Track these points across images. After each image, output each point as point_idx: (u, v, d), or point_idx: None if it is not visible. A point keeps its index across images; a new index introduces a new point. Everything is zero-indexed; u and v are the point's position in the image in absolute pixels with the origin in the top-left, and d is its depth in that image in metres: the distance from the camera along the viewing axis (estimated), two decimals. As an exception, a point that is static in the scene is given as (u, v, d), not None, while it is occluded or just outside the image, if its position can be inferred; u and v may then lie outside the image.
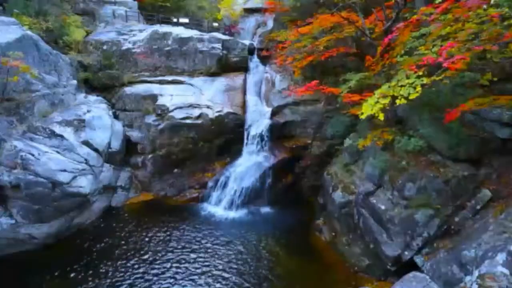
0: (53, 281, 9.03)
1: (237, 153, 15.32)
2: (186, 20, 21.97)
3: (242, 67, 17.36)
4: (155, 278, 9.26)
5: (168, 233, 11.59)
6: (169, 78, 16.51)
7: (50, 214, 10.77)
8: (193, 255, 10.35)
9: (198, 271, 9.64)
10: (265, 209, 13.89)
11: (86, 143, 12.55)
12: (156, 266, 9.78)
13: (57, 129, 11.91)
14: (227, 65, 17.07)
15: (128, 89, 15.78)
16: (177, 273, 9.53)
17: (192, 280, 9.26)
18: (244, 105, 15.85)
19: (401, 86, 7.24)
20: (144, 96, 15.38)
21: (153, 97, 15.28)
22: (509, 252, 5.99)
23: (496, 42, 6.45)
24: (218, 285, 9.12)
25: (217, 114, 14.89)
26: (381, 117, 7.44)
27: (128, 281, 9.12)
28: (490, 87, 8.40)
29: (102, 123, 13.49)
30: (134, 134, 15.10)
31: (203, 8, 25.62)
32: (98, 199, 12.59)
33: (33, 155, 10.60)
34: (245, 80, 16.82)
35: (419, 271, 7.94)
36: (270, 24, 20.58)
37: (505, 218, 7.19)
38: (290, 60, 14.42)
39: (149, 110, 15.09)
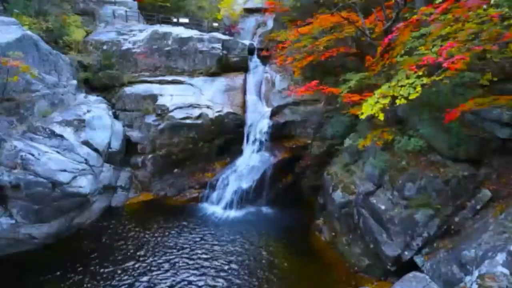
0: (53, 281, 9.03)
1: (237, 153, 15.33)
2: (186, 20, 21.97)
3: (242, 67, 17.36)
4: (155, 278, 9.26)
5: (168, 233, 11.59)
6: (169, 78, 16.52)
7: (50, 214, 10.78)
8: (192, 255, 10.34)
9: (198, 271, 9.64)
10: (265, 209, 13.89)
11: (86, 143, 12.55)
12: (156, 266, 9.77)
13: (57, 129, 11.91)
14: (227, 65, 17.08)
15: (128, 89, 15.79)
16: (177, 273, 9.52)
17: (192, 280, 9.25)
18: (244, 105, 15.86)
19: (401, 86, 7.24)
20: (144, 96, 15.39)
21: (153, 97, 15.28)
22: (509, 252, 5.99)
23: (496, 42, 6.45)
24: (218, 285, 9.12)
25: (217, 114, 14.90)
26: (381, 117, 7.44)
27: (128, 281, 9.12)
28: (490, 87, 8.39)
29: (102, 123, 13.49)
30: (134, 134, 15.10)
31: (203, 8, 25.63)
32: (98, 199, 12.59)
33: (33, 155, 10.60)
34: (245, 80, 16.83)
35: (419, 271, 7.94)
36: (270, 24, 20.58)
37: (505, 218, 7.19)
38: (290, 60, 14.42)
39: (149, 110, 15.10)
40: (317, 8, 15.02)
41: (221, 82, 16.42)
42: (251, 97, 16.20)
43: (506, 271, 5.71)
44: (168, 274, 9.47)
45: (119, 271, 9.52)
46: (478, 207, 8.15)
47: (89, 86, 16.06)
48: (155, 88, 15.78)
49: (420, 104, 9.23)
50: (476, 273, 6.18)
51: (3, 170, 10.16)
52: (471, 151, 8.65)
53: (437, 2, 7.13)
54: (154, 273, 9.49)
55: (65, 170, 10.98)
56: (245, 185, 13.82)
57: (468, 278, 6.54)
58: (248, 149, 15.14)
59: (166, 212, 13.08)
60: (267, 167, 14.20)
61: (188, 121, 14.58)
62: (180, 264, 9.89)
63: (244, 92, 16.38)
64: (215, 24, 23.41)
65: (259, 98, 16.41)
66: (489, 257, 6.29)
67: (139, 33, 17.47)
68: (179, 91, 15.72)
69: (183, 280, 9.24)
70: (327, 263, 10.31)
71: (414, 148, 8.96)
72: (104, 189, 12.97)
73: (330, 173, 12.29)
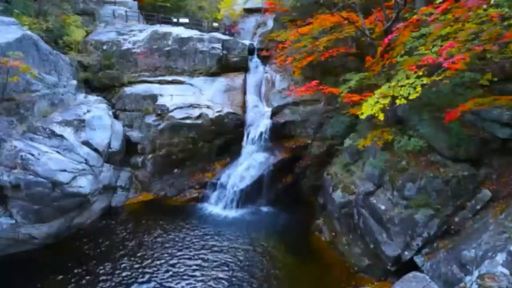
0: (53, 281, 9.02)
1: (237, 153, 15.33)
2: (186, 20, 21.98)
3: (242, 67, 17.37)
4: (155, 278, 9.26)
5: (168, 233, 11.59)
6: (169, 78, 16.53)
7: (50, 214, 10.78)
8: (192, 255, 10.34)
9: (198, 271, 9.63)
10: (265, 209, 13.89)
11: (86, 143, 12.55)
12: (156, 266, 9.77)
13: (57, 129, 11.91)
14: (227, 65, 17.08)
15: (128, 89, 15.80)
16: (177, 273, 9.52)
17: (192, 280, 9.25)
18: (244, 105, 15.86)
19: (401, 86, 7.24)
20: (144, 96, 15.39)
21: (153, 97, 15.29)
22: (509, 252, 5.99)
23: (496, 42, 6.45)
24: (218, 285, 9.11)
25: (217, 114, 14.90)
26: (381, 117, 7.43)
27: (128, 281, 9.12)
28: (490, 87, 8.39)
29: (102, 123, 13.49)
30: (134, 134, 15.10)
31: (203, 8, 25.62)
32: (98, 199, 12.59)
33: (33, 155, 10.60)
34: (245, 80, 16.84)
35: (419, 271, 7.93)
36: (270, 24, 20.59)
37: (505, 218, 7.19)
38: (290, 60, 14.41)
39: (149, 110, 15.11)
40: (317, 8, 15.01)
41: (221, 82, 16.42)
42: (251, 97, 16.20)
43: (506, 271, 5.72)
44: (168, 274, 9.46)
45: (119, 271, 9.51)
46: (478, 207, 8.15)
47: (89, 86, 16.08)
48: (155, 88, 15.78)
49: (420, 104, 9.23)
50: (476, 273, 6.18)
51: (3, 170, 10.16)
52: (471, 151, 8.65)
53: (437, 2, 7.12)
54: (154, 273, 9.48)
55: (65, 170, 10.98)
56: (245, 185, 13.81)
57: (468, 278, 6.53)
58: (248, 149, 15.13)
59: (166, 212, 13.08)
60: (267, 167, 14.20)
61: (188, 121, 14.58)
62: (180, 264, 9.89)
63: (244, 92, 16.38)
64: (215, 24, 23.41)
65: (259, 98, 16.41)
66: (489, 257, 6.29)
67: (139, 33, 17.48)
68: (179, 91, 15.73)
69: (183, 280, 9.23)
70: (327, 263, 10.30)
71: (414, 148, 8.96)
72: (104, 189, 12.97)
73: (330, 173, 12.29)
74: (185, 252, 10.51)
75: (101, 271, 9.49)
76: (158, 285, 9.02)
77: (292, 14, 17.33)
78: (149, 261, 10.01)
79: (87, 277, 9.23)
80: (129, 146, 14.90)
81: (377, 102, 7.58)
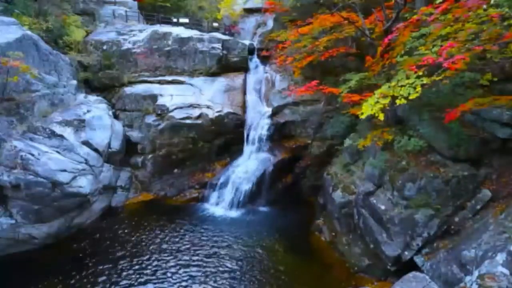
0: (53, 281, 9.02)
1: (237, 153, 15.33)
2: (186, 20, 21.97)
3: (242, 67, 17.36)
4: (155, 278, 9.26)
5: (167, 233, 11.58)
6: (169, 78, 16.52)
7: (50, 214, 10.78)
8: (192, 255, 10.34)
9: (198, 271, 9.64)
10: (265, 209, 13.89)
11: (86, 143, 12.55)
12: (156, 266, 9.77)
13: (57, 129, 11.91)
14: (227, 65, 17.07)
15: (128, 89, 15.79)
16: (177, 273, 9.52)
17: (192, 280, 9.25)
18: (244, 105, 15.86)
19: (401, 86, 7.24)
20: (144, 96, 15.39)
21: (153, 97, 15.29)
22: (509, 252, 5.99)
23: (496, 42, 6.45)
24: (218, 285, 9.12)
25: (217, 114, 14.89)
26: (381, 117, 7.43)
27: (128, 281, 9.12)
28: (490, 87, 8.40)
29: (102, 123, 13.49)
30: (134, 134, 15.10)
31: (203, 8, 25.62)
32: (98, 199, 12.59)
33: (33, 155, 10.60)
34: (245, 80, 16.83)
35: (419, 271, 7.93)
36: (270, 24, 20.57)
37: (505, 218, 7.19)
38: (290, 60, 14.41)
39: (149, 110, 15.11)
40: (317, 8, 15.01)
41: (221, 82, 16.42)
42: (251, 97, 16.19)
43: (506, 271, 5.72)
44: (168, 273, 9.47)
45: (119, 271, 9.51)
46: (478, 207, 8.15)
47: (89, 86, 16.08)
48: (155, 88, 15.78)
49: (420, 104, 9.23)
50: (476, 273, 6.19)
51: (3, 170, 10.16)
52: (471, 151, 8.66)
53: (437, 2, 7.12)
54: (154, 272, 9.49)
55: (65, 170, 10.98)
56: (245, 185, 13.82)
57: (468, 278, 6.54)
58: (248, 149, 15.14)
59: (166, 212, 13.07)
60: (267, 167, 14.20)
61: (188, 121, 14.57)
62: (180, 264, 9.89)
63: (244, 92, 16.38)
64: (215, 24, 23.40)
65: (259, 98, 16.40)
66: (489, 257, 6.30)
67: (139, 33, 17.47)
68: (179, 91, 15.72)
69: (183, 280, 9.24)
70: (327, 263, 10.31)
71: (414, 148, 8.96)
72: (104, 189, 12.97)
73: (330, 173, 12.29)
74: (185, 252, 10.51)
75: (101, 271, 9.49)
76: (158, 285, 9.01)
77: (292, 14, 17.33)
78: (149, 261, 10.01)
79: (87, 277, 9.23)
80: (129, 146, 14.90)
81: (377, 102, 7.58)
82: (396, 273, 8.67)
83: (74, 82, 14.54)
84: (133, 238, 11.21)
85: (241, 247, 10.90)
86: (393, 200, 9.22)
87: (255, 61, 17.88)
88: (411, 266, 8.31)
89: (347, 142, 11.37)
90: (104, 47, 16.55)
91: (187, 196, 14.51)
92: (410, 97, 6.99)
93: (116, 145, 13.95)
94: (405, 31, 8.84)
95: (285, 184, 14.60)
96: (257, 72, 17.33)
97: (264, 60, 17.68)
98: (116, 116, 15.24)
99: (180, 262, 10.01)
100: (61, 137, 11.81)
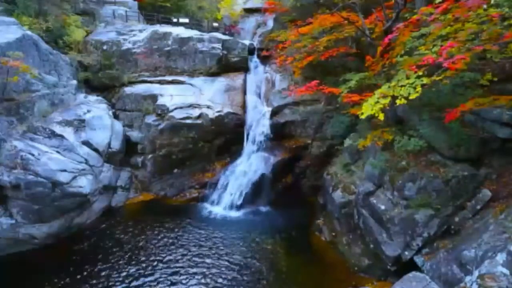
0: (53, 281, 9.02)
1: (237, 153, 15.33)
2: (186, 20, 21.97)
3: (242, 67, 17.36)
4: (155, 278, 9.26)
5: (167, 233, 11.59)
6: (169, 78, 16.52)
7: (50, 214, 10.78)
8: (192, 255, 10.35)
9: (197, 271, 9.64)
10: (265, 209, 13.89)
11: (86, 143, 12.56)
12: (156, 266, 9.77)
13: (57, 129, 11.92)
14: (227, 65, 17.07)
15: (128, 89, 15.80)
16: (177, 273, 9.53)
17: (192, 280, 9.26)
18: (244, 105, 15.86)
19: (401, 86, 7.24)
20: (144, 96, 15.39)
21: (153, 97, 15.29)
22: (509, 252, 5.99)
23: (496, 42, 6.45)
24: (218, 285, 9.12)
25: (217, 114, 14.89)
26: (381, 117, 7.43)
27: (128, 281, 9.12)
28: (490, 87, 8.40)
29: (102, 123, 13.50)
30: (134, 134, 15.10)
31: (203, 8, 25.61)
32: (98, 199, 12.59)
33: (33, 155, 10.60)
34: (245, 80, 16.82)
35: (419, 271, 7.94)
36: (270, 24, 20.58)
37: (505, 218, 7.19)
38: (290, 60, 14.41)
39: (149, 110, 15.10)
40: (317, 8, 15.01)
41: (221, 82, 16.42)
42: (251, 97, 16.19)
43: (506, 271, 5.72)
44: (168, 273, 9.47)
45: (119, 271, 9.52)
46: (478, 207, 8.15)
47: (89, 86, 16.08)
48: (155, 88, 15.78)
49: (420, 104, 9.23)
50: (476, 273, 6.19)
51: (3, 170, 10.17)
52: (471, 151, 8.66)
53: (437, 2, 7.12)
54: (154, 272, 9.49)
55: (65, 170, 10.99)
56: (245, 185, 13.82)
57: (468, 278, 6.54)
58: (248, 149, 15.14)
59: (166, 212, 13.08)
60: (267, 167, 14.20)
61: (188, 121, 14.57)
62: (180, 264, 9.89)
63: (244, 92, 16.38)
64: (215, 24, 23.41)
65: (259, 98, 16.40)
66: (489, 257, 6.30)
67: (139, 33, 17.47)
68: (179, 91, 15.72)
69: (183, 280, 9.24)
70: (327, 263, 10.31)
71: (414, 148, 8.96)
72: (104, 189, 12.97)
73: (330, 173, 12.29)
74: (185, 252, 10.51)
75: (101, 271, 9.49)
76: (158, 285, 9.01)
77: (292, 14, 17.33)
78: (149, 260, 10.01)
79: (87, 277, 9.23)
80: (129, 146, 14.90)
81: (377, 102, 7.57)
82: (396, 273, 8.68)
83: (74, 82, 14.55)
84: (133, 238, 11.21)
85: (241, 247, 10.90)
86: (393, 200, 9.22)
87: (255, 61, 17.88)
88: (411, 266, 8.32)
89: (347, 142, 11.37)
90: (104, 47, 16.55)
91: (187, 196, 14.52)
92: (410, 97, 6.99)
93: (116, 145, 13.96)
94: (405, 31, 8.83)
95: (285, 184, 14.60)
96: (257, 72, 17.33)
97: (264, 60, 17.67)
98: (116, 116, 15.24)
99: (180, 262, 10.00)
100: (61, 137, 11.82)
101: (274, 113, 14.98)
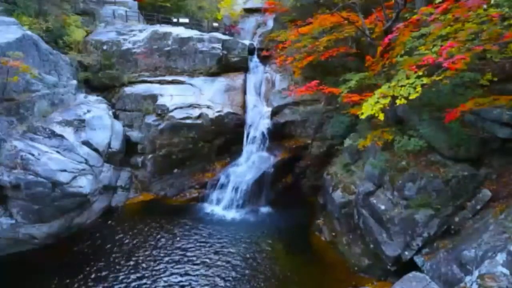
0: (53, 281, 9.02)
1: (237, 153, 15.32)
2: (186, 20, 21.97)
3: (242, 67, 17.35)
4: (155, 278, 9.26)
5: (167, 233, 11.59)
6: (169, 78, 16.52)
7: (50, 214, 10.78)
8: (192, 255, 10.35)
9: (198, 271, 9.64)
10: (265, 209, 13.88)
11: (86, 143, 12.56)
12: (156, 266, 9.77)
13: (57, 129, 11.92)
14: (227, 65, 17.07)
15: (128, 89, 15.80)
16: (177, 273, 9.53)
17: (191, 280, 9.26)
18: (244, 105, 15.86)
19: (401, 86, 7.24)
20: (144, 96, 15.39)
21: (153, 97, 15.29)
22: (509, 252, 5.99)
23: (496, 42, 6.45)
24: (218, 285, 9.12)
25: (217, 114, 14.89)
26: (381, 117, 7.43)
27: (128, 281, 9.12)
28: (490, 87, 8.39)
29: (102, 123, 13.50)
30: (134, 134, 15.10)
31: (203, 8, 25.62)
32: (98, 199, 12.59)
33: (33, 155, 10.60)
34: (245, 80, 16.82)
35: (419, 271, 7.94)
36: (270, 24, 20.58)
37: (505, 218, 7.19)
38: (290, 60, 14.41)
39: (149, 110, 15.10)
40: (317, 8, 15.01)
41: (221, 82, 16.42)
42: (251, 97, 16.20)
43: (506, 271, 5.72)
44: (168, 273, 9.47)
45: (118, 271, 9.52)
46: (478, 207, 8.15)
47: (89, 86, 16.08)
48: (155, 88, 15.78)
49: (420, 104, 9.23)
50: (476, 273, 6.19)
51: (3, 170, 10.17)
52: (471, 151, 8.66)
53: (437, 2, 7.12)
54: (155, 272, 9.49)
55: (65, 170, 10.98)
56: (245, 185, 13.81)
57: (468, 278, 6.54)
58: (248, 149, 15.13)
59: (166, 212, 13.08)
60: (267, 167, 14.20)
61: (188, 121, 14.57)
62: (180, 264, 9.89)
63: (244, 92, 16.38)
64: (215, 24, 23.41)
65: (259, 98, 16.40)
66: (489, 257, 6.29)
67: (139, 33, 17.47)
68: (179, 91, 15.72)
69: (183, 280, 9.24)
70: (327, 263, 10.31)
71: (414, 148, 8.96)
72: (104, 189, 12.97)
73: (330, 173, 12.29)
74: (185, 252, 10.51)
75: (101, 271, 9.50)
76: (157, 285, 9.01)
77: (292, 14, 17.33)
78: (149, 261, 10.01)
79: (87, 277, 9.23)
80: (129, 146, 14.90)
81: (377, 102, 7.57)
82: (396, 273, 8.68)
83: (74, 82, 14.55)
84: (133, 238, 11.21)
85: (241, 247, 10.90)
86: (393, 200, 9.22)
87: (255, 61, 17.87)
88: (411, 266, 8.32)
89: (347, 142, 11.36)
90: (104, 47, 16.55)
91: (187, 196, 14.52)
92: (410, 97, 6.99)
93: (116, 145, 13.96)
94: (405, 31, 8.83)
95: (285, 184, 14.60)
96: (257, 72, 17.32)
97: (264, 60, 17.67)
98: (116, 116, 15.24)
99: (180, 262, 10.01)
100: (61, 137, 11.82)
101: (274, 113, 14.98)
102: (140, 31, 17.73)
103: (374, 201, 9.60)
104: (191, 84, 16.21)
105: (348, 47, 13.56)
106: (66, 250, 10.49)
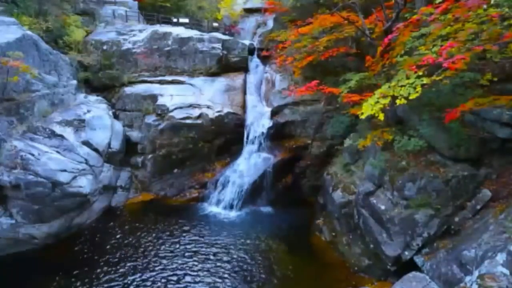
0: (53, 281, 9.02)
1: (237, 153, 15.32)
2: (186, 20, 21.97)
3: (242, 67, 17.36)
4: (155, 278, 9.26)
5: (167, 233, 11.59)
6: (169, 78, 16.53)
7: (50, 214, 10.77)
8: (192, 255, 10.34)
9: (198, 271, 9.64)
10: (265, 209, 13.89)
11: (86, 143, 12.56)
12: (156, 266, 9.77)
13: (57, 129, 11.92)
14: (227, 65, 17.07)
15: (128, 89, 15.81)
16: (177, 273, 9.52)
17: (192, 280, 9.26)
18: (244, 105, 15.86)
19: (401, 86, 7.24)
20: (144, 96, 15.40)
21: (153, 97, 15.29)
22: (509, 252, 5.99)
23: (496, 42, 6.44)
24: (218, 285, 9.12)
25: (217, 114, 14.90)
26: (381, 117, 7.43)
27: (128, 281, 9.12)
28: (490, 87, 8.39)
29: (102, 123, 13.50)
30: (134, 134, 15.11)
31: (203, 8, 25.62)
32: (98, 199, 12.59)
33: (33, 155, 10.60)
34: (245, 80, 16.83)
35: (419, 271, 7.94)
36: (270, 24, 20.57)
37: (505, 218, 7.19)
38: (290, 60, 14.41)
39: (149, 110, 15.11)
40: (317, 8, 15.02)
41: (221, 82, 16.42)
42: (251, 97, 16.19)
43: (506, 271, 5.72)
44: (168, 273, 9.47)
45: (118, 271, 9.52)
46: (478, 207, 8.15)
47: (89, 86, 16.09)
48: (155, 88, 15.79)
49: (420, 104, 9.23)
50: (476, 273, 6.19)
51: (3, 170, 10.16)
52: (471, 151, 8.65)
53: (437, 2, 7.12)
54: (154, 273, 9.49)
55: (65, 170, 10.98)
56: (245, 185, 13.81)
57: (468, 278, 6.54)
58: (248, 149, 15.13)
59: (166, 212, 13.07)
60: (267, 167, 14.20)
61: (188, 121, 14.57)
62: (180, 264, 9.89)
63: (244, 92, 16.38)
64: (215, 24, 23.41)
65: (259, 98, 16.41)
66: (489, 257, 6.29)
67: (139, 33, 17.47)
68: (179, 91, 15.72)
69: (183, 280, 9.24)
70: (327, 263, 10.31)
71: (414, 148, 8.95)
72: (104, 189, 12.97)
73: (330, 173, 12.29)
74: (185, 252, 10.51)
75: (100, 271, 9.49)
76: (157, 285, 9.01)
77: (292, 14, 17.34)
78: (149, 261, 10.01)
79: (87, 277, 9.23)
80: (129, 146, 14.90)
81: (377, 102, 7.58)
82: (396, 273, 8.68)
83: (74, 82, 14.55)
84: (133, 238, 11.21)
85: (241, 247, 10.90)
86: (393, 200, 9.22)
87: (255, 61, 17.88)
88: (411, 266, 8.33)
89: (347, 142, 11.37)
90: (104, 47, 16.55)
91: (187, 196, 14.52)
92: (410, 97, 6.99)
93: (116, 145, 13.95)
94: (405, 31, 8.83)
95: (285, 184, 14.60)
96: (257, 72, 17.32)
97: (264, 60, 17.67)
98: (116, 116, 15.24)
99: (180, 262, 10.00)
100: (61, 137, 11.82)
101: (274, 113, 14.98)
102: (140, 31, 17.73)
103: (374, 201, 9.60)
104: (191, 84, 16.21)
105: (348, 47, 13.56)
106: (66, 250, 10.50)
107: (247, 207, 13.77)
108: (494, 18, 6.37)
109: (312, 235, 11.93)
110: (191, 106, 15.00)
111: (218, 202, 13.95)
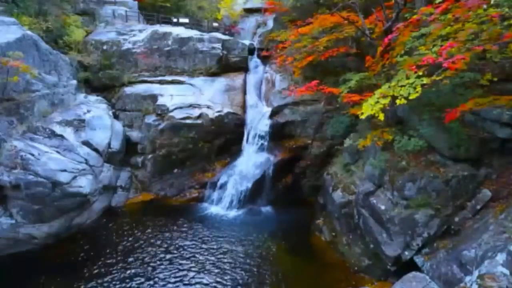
0: (53, 281, 9.02)
1: (237, 153, 15.33)
2: (186, 20, 21.98)
3: (242, 67, 17.36)
4: (155, 278, 9.26)
5: (167, 233, 11.58)
6: (169, 78, 16.53)
7: (50, 214, 10.78)
8: (192, 255, 10.34)
9: (198, 271, 9.64)
10: (265, 209, 13.89)
11: (86, 143, 12.56)
12: (156, 266, 9.77)
13: (57, 129, 11.92)
14: (227, 65, 17.08)
15: (128, 89, 15.81)
16: (177, 273, 9.52)
17: (192, 280, 9.25)
18: (244, 105, 15.86)
19: (401, 86, 7.24)
20: (144, 96, 15.40)
21: (153, 97, 15.29)
22: (509, 252, 5.99)
23: (496, 42, 6.44)
24: (218, 285, 9.12)
25: (217, 114, 14.90)
26: (381, 117, 7.43)
27: (128, 281, 9.12)
28: (490, 87, 8.39)
29: (102, 123, 13.50)
30: (134, 134, 15.11)
31: (203, 8, 25.63)
32: (98, 199, 12.59)
33: (33, 155, 10.60)
34: (245, 80, 16.83)
35: (419, 271, 7.93)
36: (270, 24, 20.57)
37: (505, 218, 7.19)
38: (290, 60, 14.41)
39: (149, 110, 15.11)
40: (317, 8, 15.03)
41: (221, 82, 16.42)
42: (251, 97, 16.20)
43: (506, 271, 5.72)
44: (168, 274, 9.47)
45: (118, 271, 9.51)
46: (478, 207, 8.15)
47: (89, 86, 16.09)
48: (155, 88, 15.79)
49: (420, 104, 9.23)
50: (476, 273, 6.19)
51: (3, 170, 10.16)
52: (471, 151, 8.65)
53: (437, 2, 7.12)
54: (154, 273, 9.49)
55: (65, 170, 10.98)
56: (245, 185, 13.81)
57: (468, 278, 6.54)
58: (248, 149, 15.13)
59: (166, 212, 13.07)
60: (267, 167, 14.20)
61: (188, 121, 14.58)
62: (180, 264, 9.89)
63: (244, 92, 16.38)
64: (215, 24, 23.41)
65: (259, 98, 16.41)
66: (489, 257, 6.29)
67: (139, 33, 17.48)
68: (179, 91, 15.72)
69: (183, 280, 9.24)
70: (327, 263, 10.31)
71: (414, 148, 8.95)
72: (104, 189, 12.97)
73: (330, 173, 12.29)
74: (185, 252, 10.51)
75: (100, 272, 9.50)
76: (157, 285, 9.01)
77: (292, 14, 17.34)
78: (149, 261, 10.00)
79: (87, 277, 9.23)
80: (129, 146, 14.90)
81: (377, 102, 7.58)
82: (396, 273, 8.68)
83: (74, 82, 14.55)
84: (133, 238, 11.20)
85: (241, 247, 10.90)
86: (393, 200, 9.22)
87: (255, 61, 17.88)
88: (411, 266, 8.32)
89: (347, 142, 11.37)
90: (104, 47, 16.56)
91: (187, 196, 14.51)
92: (410, 97, 6.99)
93: (116, 145, 13.95)
94: (405, 31, 8.83)
95: (285, 184, 14.59)
96: (257, 72, 17.33)
97: (264, 60, 17.68)
98: (116, 116, 15.25)
99: (180, 262, 10.00)
100: (61, 137, 11.82)
101: (274, 113, 14.98)
102: (140, 31, 17.73)
103: (374, 201, 9.60)
104: (191, 84, 16.21)
105: (348, 47, 13.57)
106: (66, 250, 10.50)
107: (247, 207, 13.77)
108: (494, 18, 6.37)
109: (312, 235, 11.93)
110: (191, 106, 15.00)
111: (218, 202, 13.95)
